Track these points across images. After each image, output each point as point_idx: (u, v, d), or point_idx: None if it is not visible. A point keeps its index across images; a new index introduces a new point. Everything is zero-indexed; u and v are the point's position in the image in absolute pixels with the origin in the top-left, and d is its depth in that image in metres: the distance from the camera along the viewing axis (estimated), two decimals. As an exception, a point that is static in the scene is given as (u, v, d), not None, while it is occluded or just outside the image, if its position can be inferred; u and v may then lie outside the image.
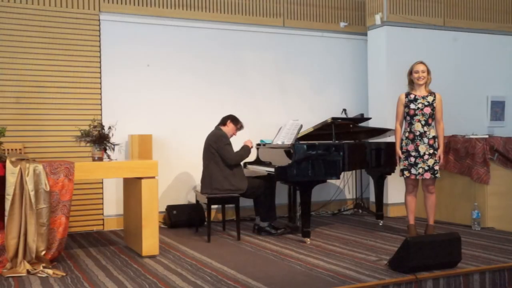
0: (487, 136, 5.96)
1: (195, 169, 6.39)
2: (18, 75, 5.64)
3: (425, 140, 5.01)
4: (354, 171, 7.07)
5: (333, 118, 5.43)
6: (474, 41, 7.35)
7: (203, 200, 5.35)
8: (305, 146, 5.05)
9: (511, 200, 5.85)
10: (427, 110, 5.02)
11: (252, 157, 5.85)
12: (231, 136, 5.51)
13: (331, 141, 5.33)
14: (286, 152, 5.19)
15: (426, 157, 5.00)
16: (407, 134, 5.12)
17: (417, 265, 3.82)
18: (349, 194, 7.21)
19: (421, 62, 5.12)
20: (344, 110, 6.93)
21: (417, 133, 5.04)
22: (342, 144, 5.22)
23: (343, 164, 5.16)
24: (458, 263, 4.02)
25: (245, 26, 6.70)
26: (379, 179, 6.08)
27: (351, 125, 5.86)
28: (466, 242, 4.83)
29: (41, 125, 5.73)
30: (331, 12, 7.20)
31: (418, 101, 5.06)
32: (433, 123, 5.09)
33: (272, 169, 5.22)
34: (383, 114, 6.75)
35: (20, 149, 5.50)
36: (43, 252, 4.12)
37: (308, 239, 5.07)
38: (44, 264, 4.07)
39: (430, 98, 5.07)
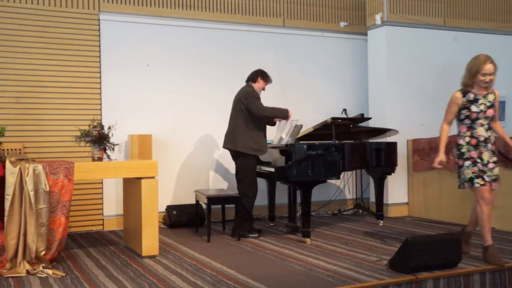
0: (487, 136, 5.93)
1: (195, 169, 6.40)
2: (18, 75, 5.64)
3: (489, 146, 4.24)
4: (354, 171, 7.07)
5: (333, 118, 5.43)
6: (474, 41, 7.34)
7: (203, 200, 5.35)
8: (305, 146, 5.04)
9: (511, 200, 5.84)
10: (490, 113, 4.26)
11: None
12: (261, 91, 5.55)
13: (331, 141, 5.32)
14: (286, 152, 5.19)
15: (491, 165, 4.22)
16: (468, 139, 4.26)
17: (417, 265, 3.81)
18: (349, 194, 7.20)
19: (490, 60, 4.23)
20: (344, 110, 6.93)
21: (481, 139, 4.22)
22: (342, 144, 5.22)
23: (343, 164, 5.15)
24: (458, 263, 4.02)
25: (245, 26, 6.70)
26: (379, 179, 6.08)
27: (351, 125, 5.86)
28: (466, 242, 4.82)
29: (41, 125, 5.72)
30: (331, 12, 7.19)
31: (479, 101, 4.24)
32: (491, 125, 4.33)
33: (272, 169, 5.22)
34: (383, 114, 6.75)
35: (20, 149, 5.50)
36: (43, 252, 4.12)
37: (308, 239, 5.07)
38: (43, 264, 4.07)
39: (491, 97, 4.27)
